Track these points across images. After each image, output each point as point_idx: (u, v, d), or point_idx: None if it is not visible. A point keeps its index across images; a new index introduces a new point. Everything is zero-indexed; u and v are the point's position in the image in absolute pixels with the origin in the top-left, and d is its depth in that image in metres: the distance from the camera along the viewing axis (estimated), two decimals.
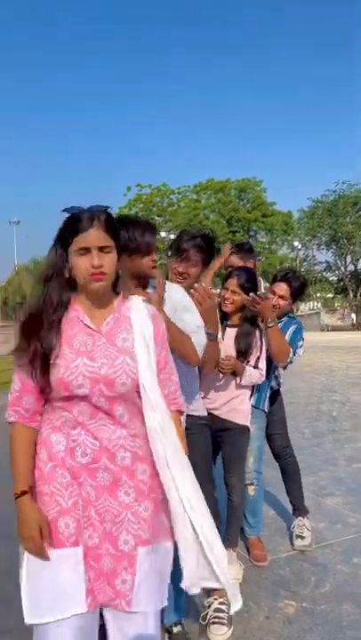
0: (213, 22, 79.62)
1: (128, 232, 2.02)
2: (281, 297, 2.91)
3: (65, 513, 1.49)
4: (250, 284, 2.67)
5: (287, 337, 2.96)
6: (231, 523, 2.85)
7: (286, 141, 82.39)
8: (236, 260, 2.99)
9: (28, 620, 1.47)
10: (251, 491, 3.01)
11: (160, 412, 1.56)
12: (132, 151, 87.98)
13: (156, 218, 40.05)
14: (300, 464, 3.45)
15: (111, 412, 1.53)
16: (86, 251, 1.48)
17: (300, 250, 41.65)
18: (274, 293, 2.90)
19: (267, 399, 3.05)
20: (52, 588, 1.46)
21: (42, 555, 1.47)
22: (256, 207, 39.55)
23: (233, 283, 2.67)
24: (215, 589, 2.44)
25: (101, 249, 1.49)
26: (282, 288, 2.91)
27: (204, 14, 79.37)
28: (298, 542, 3.20)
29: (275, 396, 3.23)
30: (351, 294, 40.44)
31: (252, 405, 2.93)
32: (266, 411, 3.06)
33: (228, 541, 2.80)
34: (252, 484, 3.01)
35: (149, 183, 40.59)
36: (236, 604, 2.49)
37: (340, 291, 43.84)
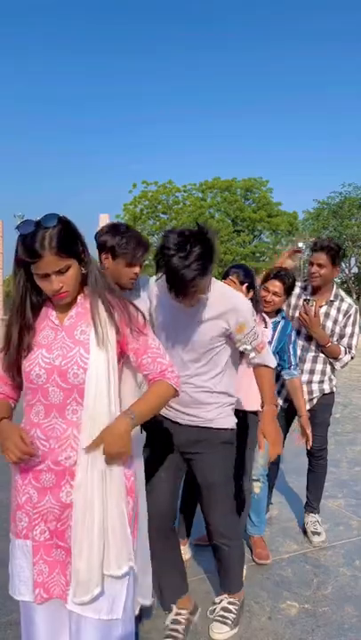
0: (216, 20, 79.51)
1: (124, 238, 2.17)
2: (275, 294, 3.02)
3: (20, 508, 1.64)
4: (248, 280, 2.77)
5: (292, 347, 3.03)
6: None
7: (293, 142, 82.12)
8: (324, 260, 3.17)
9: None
10: (256, 488, 3.03)
11: (97, 404, 1.55)
12: (137, 148, 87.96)
13: (161, 215, 40.08)
14: (302, 466, 3.48)
15: (64, 409, 1.57)
16: (46, 275, 1.54)
17: (304, 251, 41.58)
18: (268, 291, 3.01)
19: (278, 396, 3.07)
20: (15, 572, 1.66)
21: (22, 456, 1.53)
22: (261, 207, 39.51)
23: (232, 279, 2.76)
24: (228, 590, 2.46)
25: (59, 271, 1.53)
26: (276, 285, 3.02)
27: (206, 12, 79.14)
28: (315, 539, 3.26)
29: (326, 398, 3.32)
30: (355, 296, 40.41)
31: None
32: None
33: None
34: (258, 480, 3.03)
35: (155, 180, 40.56)
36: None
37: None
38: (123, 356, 1.67)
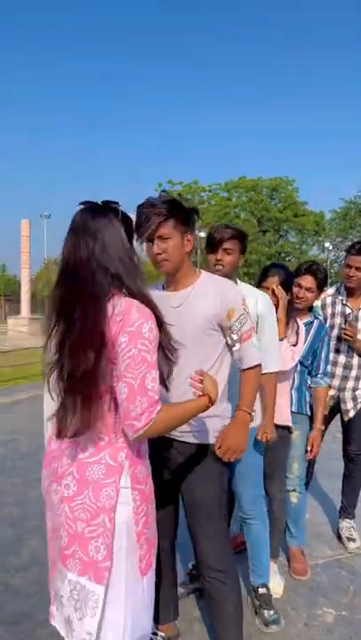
0: (254, 22, 78.84)
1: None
2: (308, 289, 2.89)
3: (141, 535, 1.60)
4: (289, 282, 2.79)
5: (325, 353, 2.95)
6: (272, 534, 2.68)
7: (320, 141, 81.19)
8: None
9: None
10: (293, 498, 2.95)
11: None
12: (162, 148, 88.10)
13: None
14: (330, 469, 3.42)
15: None
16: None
17: (330, 251, 41.04)
18: (300, 286, 2.88)
19: (308, 403, 2.99)
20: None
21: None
22: (288, 207, 39.21)
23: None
24: None
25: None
26: (308, 280, 2.89)
27: (246, 11, 78.55)
28: (351, 545, 3.24)
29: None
30: None
31: (294, 411, 2.87)
32: (309, 414, 3.01)
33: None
34: (294, 490, 2.95)
35: (180, 180, 40.59)
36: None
37: None
38: None
